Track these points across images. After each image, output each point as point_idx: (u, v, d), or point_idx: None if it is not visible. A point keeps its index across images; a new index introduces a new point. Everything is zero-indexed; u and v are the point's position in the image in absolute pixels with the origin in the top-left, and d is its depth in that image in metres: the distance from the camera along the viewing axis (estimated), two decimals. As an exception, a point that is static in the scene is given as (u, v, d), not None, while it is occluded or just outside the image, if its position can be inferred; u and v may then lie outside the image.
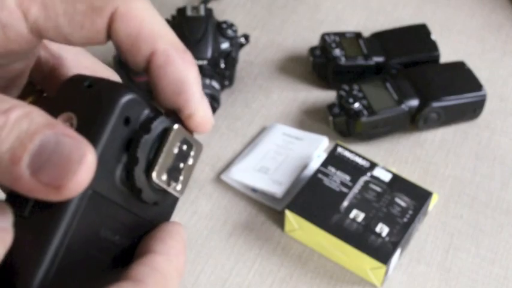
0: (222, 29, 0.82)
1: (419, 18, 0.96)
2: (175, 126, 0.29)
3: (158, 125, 0.28)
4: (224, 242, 0.72)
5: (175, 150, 0.29)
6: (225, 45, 0.82)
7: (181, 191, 0.30)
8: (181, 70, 0.29)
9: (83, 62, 0.32)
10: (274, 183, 0.75)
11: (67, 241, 0.26)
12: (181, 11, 0.83)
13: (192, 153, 0.30)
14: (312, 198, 0.70)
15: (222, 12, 0.96)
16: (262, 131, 0.82)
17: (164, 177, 0.29)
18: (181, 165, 0.29)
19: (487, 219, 0.75)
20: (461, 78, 0.83)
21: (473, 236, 0.73)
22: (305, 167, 0.77)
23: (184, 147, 0.29)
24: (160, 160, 0.28)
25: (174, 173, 0.29)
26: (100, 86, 0.27)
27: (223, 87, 0.85)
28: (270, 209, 0.75)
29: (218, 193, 0.76)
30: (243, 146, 0.81)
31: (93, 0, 0.27)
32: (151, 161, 0.28)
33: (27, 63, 0.30)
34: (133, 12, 0.28)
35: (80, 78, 0.28)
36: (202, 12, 0.82)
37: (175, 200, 0.31)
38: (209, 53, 0.80)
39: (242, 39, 0.85)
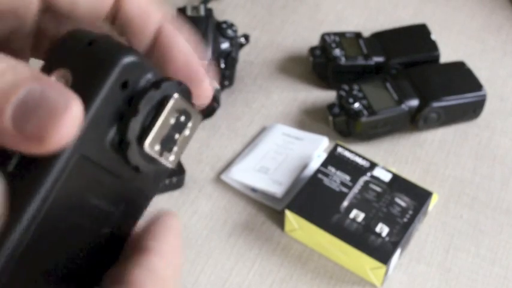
0: (222, 29, 0.82)
1: (419, 18, 0.96)
2: (176, 95, 0.28)
3: (161, 89, 0.27)
4: (224, 242, 0.72)
5: (172, 120, 0.28)
6: (225, 45, 0.82)
7: (174, 162, 0.29)
8: (187, 41, 0.30)
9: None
10: (274, 183, 0.75)
11: (49, 203, 0.25)
12: (181, 11, 0.83)
13: (189, 124, 0.29)
14: (312, 198, 0.70)
15: (222, 12, 0.96)
16: (262, 131, 0.82)
17: (157, 147, 0.28)
18: (177, 135, 0.28)
19: (487, 219, 0.75)
20: (461, 78, 0.83)
21: (473, 236, 0.73)
22: (305, 167, 0.77)
23: (183, 118, 0.28)
24: (155, 129, 0.27)
25: (168, 144, 0.28)
26: (101, 44, 0.26)
27: (223, 87, 0.84)
28: (270, 209, 0.75)
29: (218, 193, 0.76)
30: (243, 146, 0.81)
31: None
32: (146, 128, 0.27)
33: (22, 23, 0.29)
34: None
35: (80, 34, 0.27)
36: (202, 12, 0.82)
37: (166, 169, 0.30)
38: (209, 53, 0.80)
39: (242, 39, 0.85)
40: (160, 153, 0.28)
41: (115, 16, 0.29)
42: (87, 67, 0.26)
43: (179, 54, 0.29)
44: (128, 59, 0.26)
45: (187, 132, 0.29)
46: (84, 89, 0.25)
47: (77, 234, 0.28)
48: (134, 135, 0.27)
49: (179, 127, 0.28)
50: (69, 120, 0.23)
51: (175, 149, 0.29)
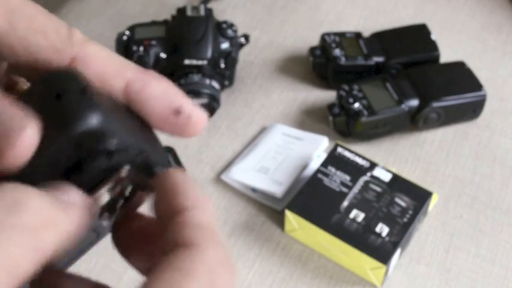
0: (222, 29, 0.82)
1: (419, 18, 0.96)
2: (125, 169, 0.27)
3: (111, 160, 0.27)
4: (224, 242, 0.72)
5: (116, 190, 0.28)
6: (225, 45, 0.82)
7: (111, 223, 0.29)
8: (160, 85, 0.29)
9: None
10: (274, 183, 0.75)
11: None
12: (181, 11, 0.83)
13: (138, 192, 0.29)
14: (312, 198, 0.70)
15: (222, 12, 0.96)
16: (262, 131, 0.82)
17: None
18: (119, 203, 0.28)
19: (487, 219, 0.75)
20: (461, 78, 0.83)
21: (473, 236, 0.73)
22: (305, 167, 0.77)
23: (129, 189, 0.28)
24: (96, 195, 0.27)
25: (108, 209, 0.28)
26: (67, 101, 0.26)
27: (223, 87, 0.85)
28: (270, 209, 0.75)
29: (218, 193, 0.76)
30: (243, 146, 0.81)
31: (54, 39, 0.27)
32: (90, 189, 0.27)
33: None
34: (93, 54, 0.28)
35: (52, 81, 0.27)
36: (202, 12, 0.82)
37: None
38: (209, 53, 0.80)
39: (242, 39, 0.85)
40: (100, 217, 0.28)
41: None
42: (50, 121, 0.25)
43: (156, 105, 0.28)
44: (88, 125, 0.25)
45: (135, 198, 0.29)
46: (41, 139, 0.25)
47: None
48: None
49: (121, 197, 0.28)
50: (24, 140, 0.23)
51: (117, 214, 0.29)
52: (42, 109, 0.25)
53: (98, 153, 0.26)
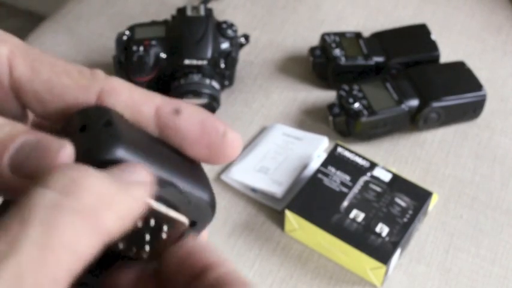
0: (222, 29, 0.82)
1: (419, 18, 0.96)
2: (147, 199, 0.27)
3: None
4: (224, 242, 0.72)
5: (139, 224, 0.27)
6: (225, 45, 0.82)
7: (146, 255, 0.28)
8: (190, 107, 0.29)
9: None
10: (274, 183, 0.75)
11: None
12: (181, 11, 0.83)
13: (165, 227, 0.28)
14: (312, 198, 0.70)
15: (222, 12, 0.96)
16: (262, 131, 0.82)
17: (121, 244, 0.27)
18: (148, 237, 0.28)
19: (487, 219, 0.75)
20: (461, 78, 0.83)
21: (473, 236, 0.73)
22: (305, 167, 0.77)
23: (152, 222, 0.27)
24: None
25: (135, 241, 0.27)
26: (90, 133, 0.26)
27: (223, 87, 0.85)
28: (270, 209, 0.75)
29: (218, 193, 0.76)
30: (243, 146, 0.81)
31: (78, 78, 0.28)
32: None
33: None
34: (118, 86, 0.28)
35: (79, 115, 0.27)
36: (202, 12, 0.82)
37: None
38: (209, 53, 0.80)
39: (242, 39, 0.85)
40: (127, 250, 0.27)
41: None
42: (75, 152, 0.25)
43: (189, 125, 0.28)
44: (110, 156, 0.25)
45: (163, 235, 0.28)
46: None
47: None
48: None
49: (150, 230, 0.27)
50: (63, 159, 0.24)
51: (147, 247, 0.28)
52: (70, 140, 0.26)
53: None
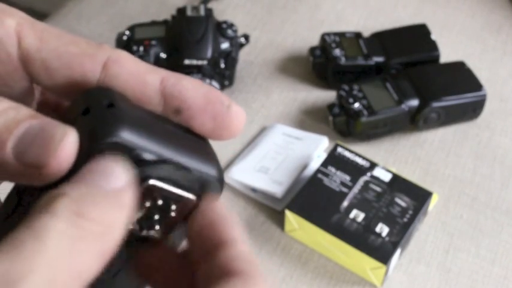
0: (222, 29, 0.82)
1: (419, 18, 0.96)
2: (152, 181, 0.27)
3: (139, 173, 0.26)
4: (224, 242, 0.72)
5: (148, 203, 0.27)
6: (225, 45, 0.82)
7: (160, 236, 0.28)
8: (193, 80, 0.29)
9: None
10: (274, 183, 0.75)
11: None
12: (181, 11, 0.83)
13: (173, 207, 0.28)
14: (312, 198, 0.70)
15: (222, 12, 0.96)
16: (262, 131, 0.82)
17: (135, 224, 0.27)
18: (157, 216, 0.28)
19: (487, 219, 0.75)
20: (461, 78, 0.83)
21: (473, 236, 0.73)
22: (305, 167, 0.77)
23: (160, 202, 0.27)
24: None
25: (147, 223, 0.28)
26: (93, 116, 0.26)
27: (223, 87, 0.85)
28: (270, 209, 0.75)
29: (218, 193, 0.76)
30: (243, 146, 0.81)
31: (85, 47, 0.28)
32: None
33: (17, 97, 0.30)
34: (124, 57, 0.28)
35: (82, 98, 0.27)
36: (202, 12, 0.82)
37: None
38: (209, 53, 0.80)
39: (242, 39, 0.85)
40: (141, 230, 0.28)
41: (107, 85, 0.28)
42: (79, 136, 0.25)
43: (194, 95, 0.29)
44: (113, 139, 0.25)
45: (173, 214, 0.28)
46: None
47: None
48: None
49: (159, 209, 0.28)
50: (66, 148, 0.24)
51: (158, 227, 0.28)
52: (74, 124, 0.26)
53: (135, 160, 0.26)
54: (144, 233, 0.28)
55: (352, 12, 0.98)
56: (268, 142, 0.80)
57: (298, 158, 0.77)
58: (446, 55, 0.90)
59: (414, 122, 0.81)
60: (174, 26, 0.82)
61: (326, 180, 0.72)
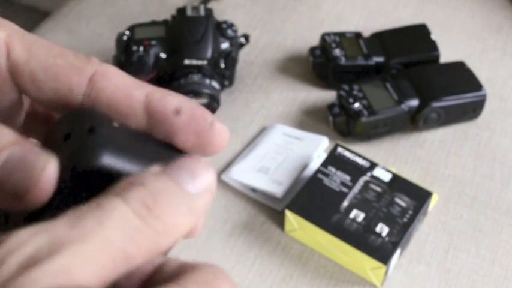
0: (222, 29, 0.82)
1: (419, 18, 0.96)
2: None
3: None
4: (224, 242, 0.72)
5: None
6: (225, 45, 0.82)
7: None
8: (178, 96, 0.29)
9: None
10: (274, 183, 0.75)
11: None
12: (181, 11, 0.83)
13: None
14: (312, 198, 0.70)
15: (222, 12, 0.96)
16: (262, 131, 0.82)
17: None
18: None
19: (487, 219, 0.75)
20: (461, 78, 0.83)
21: (473, 236, 0.73)
22: (305, 167, 0.77)
23: None
24: None
25: None
26: (74, 141, 0.26)
27: (223, 87, 0.84)
28: (270, 209, 0.75)
29: (218, 193, 0.76)
30: (243, 146, 0.81)
31: (73, 60, 0.29)
32: None
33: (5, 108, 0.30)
34: (111, 71, 0.29)
35: (62, 122, 0.27)
36: (202, 12, 0.82)
37: None
38: (209, 53, 0.80)
39: (242, 39, 0.85)
40: None
41: (94, 101, 0.29)
42: (60, 161, 0.26)
43: (176, 114, 0.29)
44: (92, 165, 0.26)
45: None
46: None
47: None
48: None
49: None
50: (47, 178, 0.25)
51: None
52: (55, 149, 0.26)
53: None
54: None
55: (352, 12, 0.98)
56: (268, 142, 0.80)
57: (298, 158, 0.77)
58: (446, 55, 0.90)
59: (414, 122, 0.81)
60: (174, 26, 0.82)
61: (326, 180, 0.72)
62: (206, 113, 0.29)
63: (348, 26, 0.96)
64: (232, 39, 0.83)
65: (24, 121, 0.32)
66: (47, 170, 0.25)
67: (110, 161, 0.26)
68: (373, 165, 0.73)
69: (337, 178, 0.72)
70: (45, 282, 0.20)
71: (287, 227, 0.72)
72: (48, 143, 0.27)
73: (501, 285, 0.69)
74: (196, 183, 0.24)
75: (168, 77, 0.81)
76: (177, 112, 0.29)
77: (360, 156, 0.74)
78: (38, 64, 0.28)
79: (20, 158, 0.25)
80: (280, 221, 0.73)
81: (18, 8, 1.81)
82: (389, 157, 0.80)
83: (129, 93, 0.28)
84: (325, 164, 0.73)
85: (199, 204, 0.24)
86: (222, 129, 0.29)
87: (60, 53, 0.29)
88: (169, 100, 0.29)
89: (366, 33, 0.90)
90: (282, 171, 0.76)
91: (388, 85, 0.81)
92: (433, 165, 0.80)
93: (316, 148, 0.79)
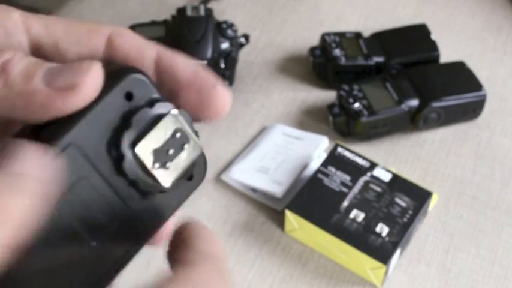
0: (222, 29, 0.82)
1: (419, 18, 0.96)
2: (173, 111, 0.29)
3: (161, 107, 0.29)
4: (224, 242, 0.72)
5: (168, 134, 0.29)
6: (225, 45, 0.82)
7: (167, 182, 0.29)
8: (186, 57, 0.31)
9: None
10: (274, 183, 0.75)
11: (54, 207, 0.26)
12: (181, 11, 0.83)
13: (186, 146, 0.30)
14: (312, 198, 0.70)
15: (222, 12, 0.96)
16: (262, 131, 0.82)
17: (149, 155, 0.28)
18: (171, 151, 0.29)
19: (487, 219, 0.75)
20: (461, 78, 0.83)
21: (473, 236, 0.73)
22: (305, 167, 0.77)
23: (179, 134, 0.29)
24: (150, 135, 0.28)
25: (161, 157, 0.29)
26: (115, 65, 0.29)
27: (223, 87, 0.84)
28: (270, 209, 0.75)
29: (218, 193, 0.76)
30: (243, 146, 0.81)
31: (90, 25, 0.30)
32: (139, 137, 0.28)
33: None
34: (126, 32, 0.31)
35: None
36: (202, 12, 0.82)
37: (167, 199, 0.31)
38: (209, 53, 0.80)
39: (242, 39, 0.85)
40: (154, 164, 0.29)
41: (111, 57, 0.30)
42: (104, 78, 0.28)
43: (184, 69, 0.30)
44: (134, 75, 0.28)
45: (183, 155, 0.30)
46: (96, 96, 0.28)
47: (71, 243, 0.28)
48: (127, 144, 0.28)
49: (175, 144, 0.29)
50: (96, 71, 0.26)
51: (168, 165, 0.29)
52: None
53: (153, 99, 0.29)
54: (156, 167, 0.29)
55: (352, 12, 0.98)
56: (268, 142, 0.80)
57: (298, 158, 0.77)
58: (446, 55, 0.90)
59: (414, 122, 0.81)
60: (174, 26, 0.82)
61: (326, 180, 0.72)
62: (211, 75, 0.30)
63: (348, 26, 0.96)
64: (232, 39, 0.83)
65: None
66: (96, 65, 0.26)
67: (148, 77, 0.29)
68: (373, 165, 0.73)
69: (337, 178, 0.72)
70: None
71: (287, 227, 0.72)
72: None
73: (501, 285, 0.69)
74: (14, 165, 0.24)
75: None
76: (175, 57, 0.31)
77: (360, 156, 0.74)
78: (59, 33, 0.29)
79: (63, 65, 0.27)
80: (280, 221, 0.73)
81: (17, 8, 1.81)
82: (389, 157, 0.80)
83: (142, 52, 0.30)
84: (325, 164, 0.73)
85: (27, 184, 0.24)
86: (224, 92, 0.31)
87: (76, 22, 0.30)
88: (176, 59, 0.30)
89: (366, 33, 0.90)
90: (282, 171, 0.76)
91: (388, 85, 0.81)
92: (433, 165, 0.80)
93: (316, 148, 0.79)
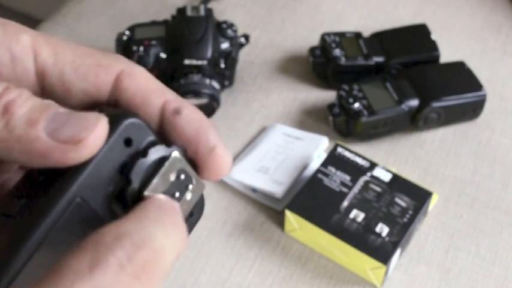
0: (222, 29, 0.82)
1: (419, 18, 0.96)
2: (174, 153, 0.29)
3: (157, 151, 0.28)
4: (224, 242, 0.72)
5: (172, 177, 0.29)
6: (225, 45, 0.82)
7: None
8: (194, 112, 0.30)
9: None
10: (274, 183, 0.75)
11: (40, 248, 0.25)
12: (181, 11, 0.83)
13: (190, 186, 0.30)
14: (312, 198, 0.70)
15: (222, 12, 0.96)
16: (262, 131, 0.82)
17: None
18: (177, 194, 0.29)
19: (487, 219, 0.75)
20: (461, 78, 0.83)
21: (473, 236, 0.73)
22: (305, 167, 0.77)
23: (183, 176, 0.29)
24: (155, 181, 0.28)
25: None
26: (110, 110, 0.28)
27: (223, 87, 0.84)
28: (270, 209, 0.75)
29: (218, 193, 0.76)
30: (243, 146, 0.81)
31: (101, 59, 0.29)
32: (145, 182, 0.28)
33: None
34: (138, 72, 0.29)
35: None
36: (202, 12, 0.82)
37: None
38: (209, 53, 0.80)
39: (242, 39, 0.85)
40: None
41: (117, 100, 0.29)
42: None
43: (187, 127, 0.29)
44: (131, 120, 0.28)
45: (188, 196, 0.30)
46: None
47: None
48: (135, 187, 0.28)
49: (180, 186, 0.29)
50: (102, 125, 0.25)
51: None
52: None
53: (148, 144, 0.28)
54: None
55: (352, 12, 0.98)
56: (268, 142, 0.80)
57: (298, 158, 0.77)
58: (446, 55, 0.90)
59: (414, 122, 0.81)
60: (174, 26, 0.82)
61: (326, 180, 0.72)
62: (212, 135, 0.30)
63: (348, 26, 0.96)
64: (232, 39, 0.83)
65: None
66: (102, 119, 0.26)
67: (144, 121, 0.29)
68: (373, 165, 0.73)
69: (337, 178, 0.72)
70: None
71: (287, 227, 0.72)
72: None
73: (501, 285, 0.69)
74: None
75: (168, 77, 0.81)
76: (177, 112, 0.29)
77: (360, 156, 0.74)
78: (66, 65, 0.28)
79: (68, 114, 0.26)
80: (280, 221, 0.73)
81: (11, 14, 1.82)
82: (389, 157, 0.80)
83: (148, 98, 0.29)
84: (325, 164, 0.73)
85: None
86: (222, 156, 0.30)
87: (87, 52, 0.29)
88: (182, 114, 0.29)
89: (366, 33, 0.90)
90: (282, 171, 0.76)
91: (388, 85, 0.81)
92: (433, 165, 0.80)
93: (316, 148, 0.79)
